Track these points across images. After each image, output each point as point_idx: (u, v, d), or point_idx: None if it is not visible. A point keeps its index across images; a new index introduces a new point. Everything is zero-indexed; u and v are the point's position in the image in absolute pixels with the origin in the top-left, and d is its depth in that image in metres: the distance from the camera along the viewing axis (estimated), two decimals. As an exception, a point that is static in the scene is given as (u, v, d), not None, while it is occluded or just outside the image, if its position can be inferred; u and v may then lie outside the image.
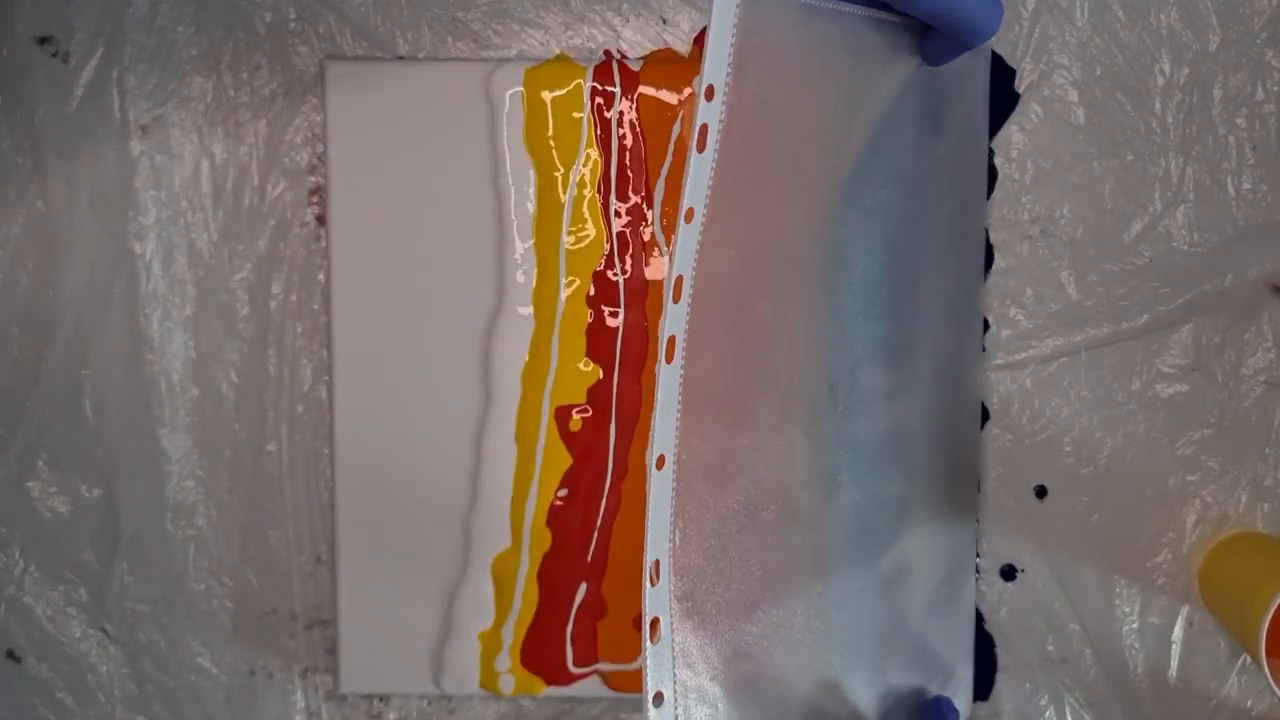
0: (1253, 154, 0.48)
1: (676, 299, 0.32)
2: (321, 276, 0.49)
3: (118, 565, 0.50)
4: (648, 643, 0.33)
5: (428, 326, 0.47)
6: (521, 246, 0.47)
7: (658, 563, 0.33)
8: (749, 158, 0.34)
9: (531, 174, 0.47)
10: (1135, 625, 0.50)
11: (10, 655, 0.51)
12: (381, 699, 0.51)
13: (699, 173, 0.32)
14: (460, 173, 0.47)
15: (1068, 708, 0.50)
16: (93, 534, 0.50)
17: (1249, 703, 0.50)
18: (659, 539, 0.33)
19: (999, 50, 0.48)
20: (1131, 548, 0.49)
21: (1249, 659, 0.50)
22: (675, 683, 0.33)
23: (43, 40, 0.48)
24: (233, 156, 0.49)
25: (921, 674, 0.47)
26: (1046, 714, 0.50)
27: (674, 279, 0.32)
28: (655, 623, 0.33)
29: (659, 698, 0.33)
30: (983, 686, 0.50)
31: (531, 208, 0.47)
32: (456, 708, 0.51)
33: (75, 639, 0.50)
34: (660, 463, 0.33)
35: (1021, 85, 0.48)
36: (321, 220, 0.49)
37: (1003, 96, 0.48)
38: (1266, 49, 0.48)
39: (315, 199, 0.49)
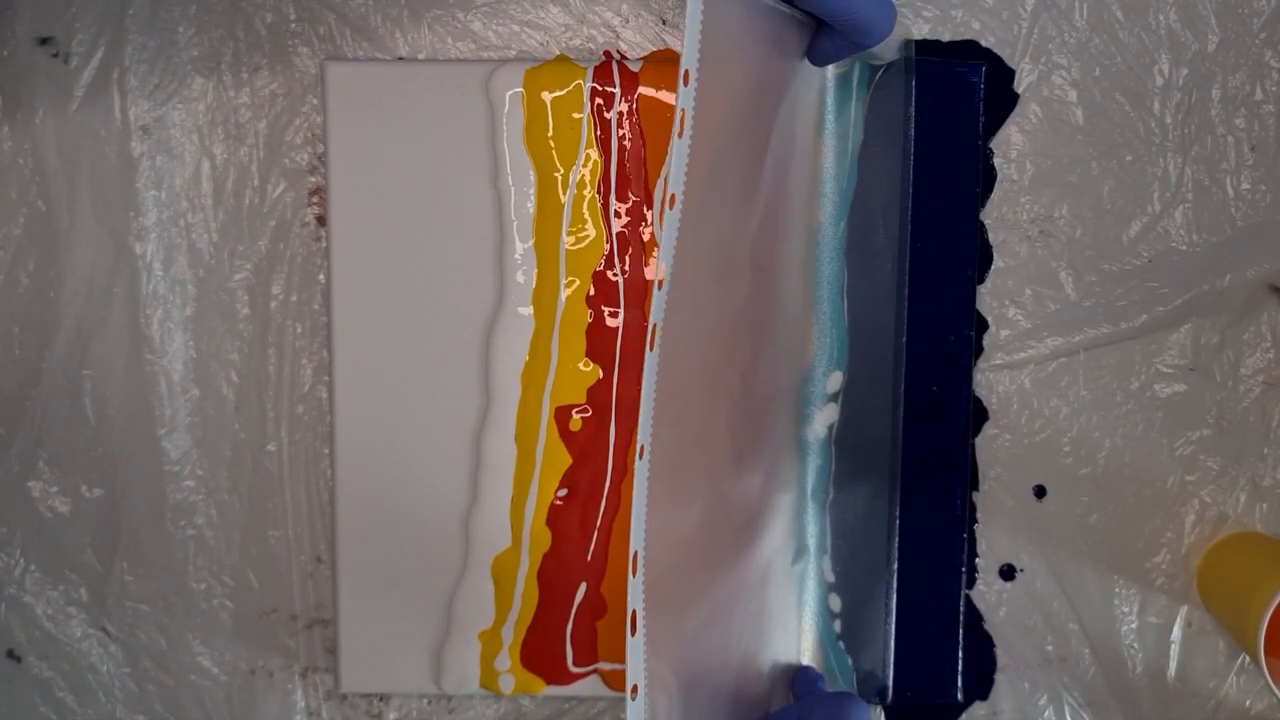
0: (1251, 154, 0.48)
1: (660, 286, 0.33)
2: (321, 277, 0.49)
3: (118, 565, 0.50)
4: (629, 636, 0.33)
5: (428, 326, 0.47)
6: (521, 247, 0.47)
7: (636, 554, 0.33)
8: (712, 147, 0.34)
9: (531, 174, 0.47)
10: (1134, 625, 0.50)
11: (11, 655, 0.51)
12: (381, 698, 0.51)
13: (679, 158, 0.32)
14: (460, 173, 0.47)
15: (1066, 707, 0.50)
16: (93, 534, 0.50)
17: (1248, 702, 0.50)
18: (638, 530, 0.34)
19: (998, 51, 0.48)
20: (1130, 548, 0.50)
21: (1248, 659, 0.50)
22: (646, 673, 0.33)
23: (43, 41, 0.48)
24: (233, 157, 0.49)
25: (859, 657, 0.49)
26: (1045, 714, 0.50)
27: (659, 266, 0.33)
28: (634, 615, 0.33)
29: (635, 690, 0.33)
30: (982, 686, 0.50)
31: (531, 208, 0.47)
32: (456, 707, 0.51)
33: (76, 638, 0.51)
34: (641, 453, 0.34)
35: (1020, 86, 0.48)
36: (322, 221, 0.49)
37: (1001, 97, 0.48)
38: (1265, 49, 0.48)
39: (315, 199, 0.49)
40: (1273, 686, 0.44)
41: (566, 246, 0.47)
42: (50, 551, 0.50)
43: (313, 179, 0.49)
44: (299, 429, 0.50)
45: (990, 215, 0.49)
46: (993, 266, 0.49)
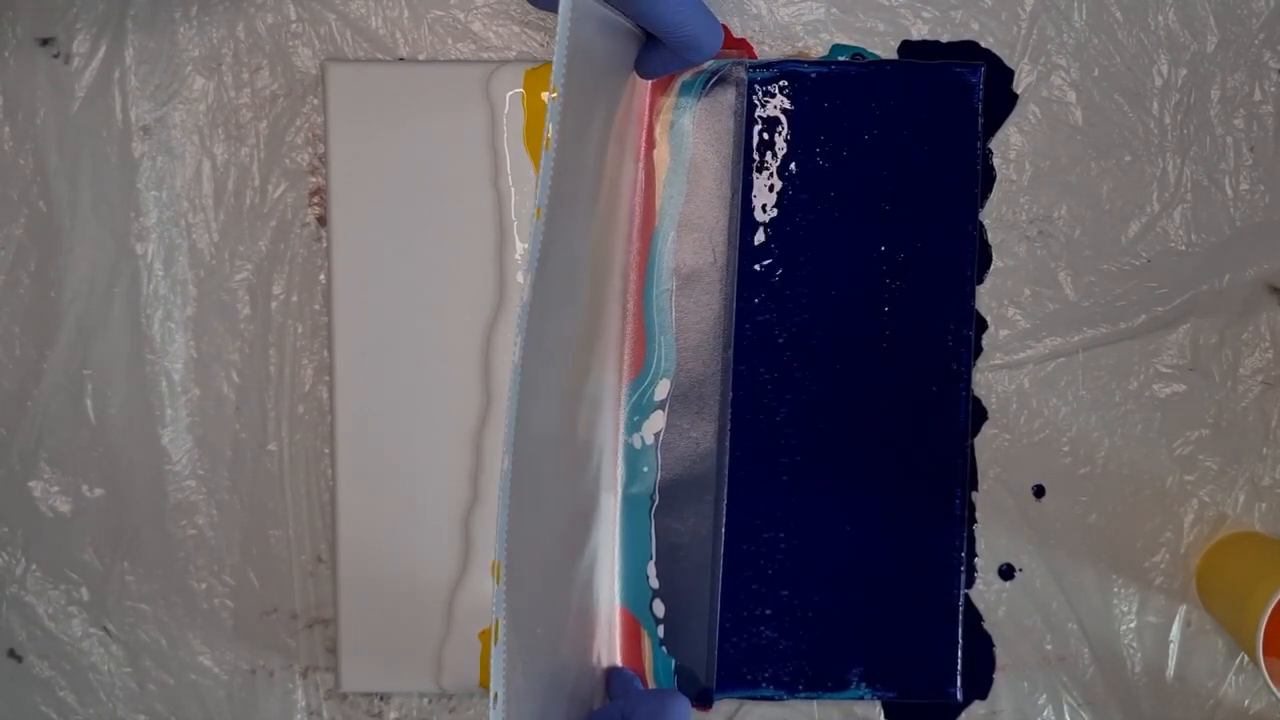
0: (1250, 154, 0.48)
1: (525, 297, 0.34)
2: (322, 277, 0.49)
3: (119, 564, 0.50)
4: (493, 644, 0.33)
5: (428, 326, 0.48)
6: (521, 247, 0.47)
7: (499, 564, 0.33)
8: (566, 159, 0.35)
9: (532, 175, 0.47)
10: (1133, 625, 0.50)
11: (12, 654, 0.51)
12: (382, 698, 0.51)
13: (545, 172, 0.33)
14: (460, 174, 0.47)
15: (1065, 707, 0.50)
16: (94, 533, 0.50)
17: (1246, 702, 0.50)
18: (501, 539, 0.34)
19: (997, 51, 0.48)
20: (1129, 547, 0.50)
21: (1246, 658, 0.50)
22: (505, 682, 0.33)
23: (44, 41, 0.48)
24: (234, 157, 0.49)
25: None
26: (1044, 713, 0.50)
27: (524, 278, 0.34)
28: (497, 624, 0.33)
29: (496, 698, 0.33)
30: (981, 685, 0.50)
31: (532, 209, 0.47)
32: (457, 706, 0.51)
33: (77, 638, 0.51)
34: (505, 461, 0.34)
35: (1019, 86, 0.48)
36: (322, 221, 0.49)
37: (1000, 97, 0.48)
38: (1264, 50, 0.48)
39: (316, 200, 0.49)
40: (1271, 686, 0.44)
41: (566, 247, 0.47)
42: (51, 551, 0.50)
43: (313, 179, 0.49)
44: (299, 429, 0.50)
45: (990, 215, 0.49)
46: (992, 266, 0.49)
